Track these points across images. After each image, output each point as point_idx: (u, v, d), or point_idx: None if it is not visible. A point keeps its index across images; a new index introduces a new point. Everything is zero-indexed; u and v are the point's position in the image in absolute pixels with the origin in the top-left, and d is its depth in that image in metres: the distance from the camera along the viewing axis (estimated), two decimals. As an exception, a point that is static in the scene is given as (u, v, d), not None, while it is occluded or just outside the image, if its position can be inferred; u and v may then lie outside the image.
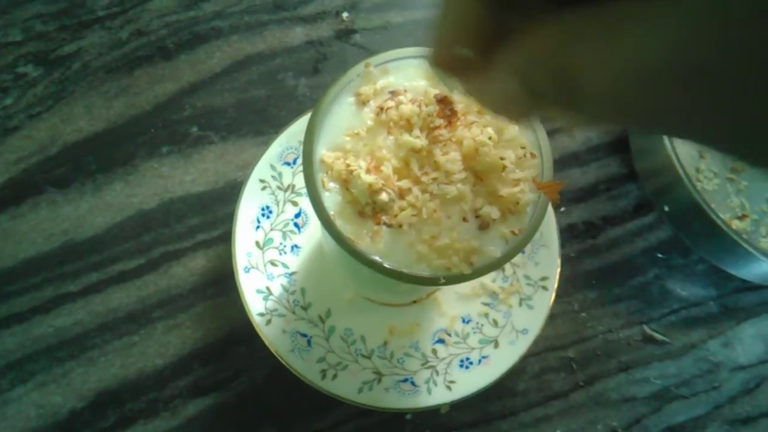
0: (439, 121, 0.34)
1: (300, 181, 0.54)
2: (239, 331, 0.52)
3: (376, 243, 0.34)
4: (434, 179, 0.34)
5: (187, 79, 0.60)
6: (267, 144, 0.53)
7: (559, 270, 0.53)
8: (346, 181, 0.35)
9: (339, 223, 0.34)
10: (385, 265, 0.33)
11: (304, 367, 0.49)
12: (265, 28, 0.63)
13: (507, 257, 0.34)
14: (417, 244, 0.34)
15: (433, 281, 0.33)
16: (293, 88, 0.61)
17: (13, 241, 0.53)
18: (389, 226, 0.34)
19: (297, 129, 0.54)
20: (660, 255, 0.60)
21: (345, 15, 0.64)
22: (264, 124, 0.59)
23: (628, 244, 0.60)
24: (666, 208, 0.58)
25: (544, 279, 0.53)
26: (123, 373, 0.51)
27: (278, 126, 0.55)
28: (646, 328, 0.58)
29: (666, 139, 0.54)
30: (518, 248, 0.34)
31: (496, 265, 0.34)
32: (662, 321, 0.58)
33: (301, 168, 0.54)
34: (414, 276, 0.33)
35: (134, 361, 0.51)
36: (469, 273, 0.33)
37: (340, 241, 0.33)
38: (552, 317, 0.54)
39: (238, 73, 0.61)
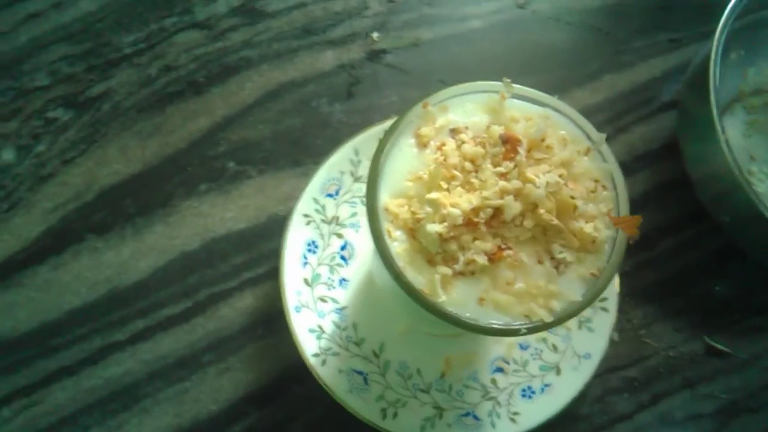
0: (508, 165, 0.32)
1: (344, 212, 0.52)
2: (291, 371, 0.51)
3: (449, 293, 0.32)
4: (505, 222, 0.33)
5: (220, 113, 0.59)
6: (306, 175, 0.52)
7: (618, 291, 0.51)
8: (412, 230, 0.33)
9: (409, 275, 0.32)
10: (463, 318, 0.31)
11: (364, 408, 0.47)
12: (295, 54, 0.61)
13: (588, 301, 0.32)
14: (492, 292, 0.32)
15: (514, 332, 0.31)
16: (328, 115, 0.59)
17: (56, 293, 0.52)
18: (462, 274, 0.33)
19: (336, 160, 0.52)
20: (717, 264, 0.58)
21: (375, 35, 0.62)
22: (301, 154, 0.58)
23: (684, 254, 0.58)
24: (726, 218, 0.55)
25: (603, 300, 0.51)
26: (177, 422, 0.50)
27: (316, 155, 0.54)
28: (708, 340, 0.56)
29: (723, 144, 0.51)
30: (600, 290, 0.33)
31: (578, 310, 0.32)
32: (725, 333, 0.56)
33: (344, 199, 0.53)
34: (494, 329, 0.31)
35: (188, 409, 0.50)
36: (550, 321, 0.32)
37: (412, 293, 0.32)
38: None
39: (271, 103, 0.59)
